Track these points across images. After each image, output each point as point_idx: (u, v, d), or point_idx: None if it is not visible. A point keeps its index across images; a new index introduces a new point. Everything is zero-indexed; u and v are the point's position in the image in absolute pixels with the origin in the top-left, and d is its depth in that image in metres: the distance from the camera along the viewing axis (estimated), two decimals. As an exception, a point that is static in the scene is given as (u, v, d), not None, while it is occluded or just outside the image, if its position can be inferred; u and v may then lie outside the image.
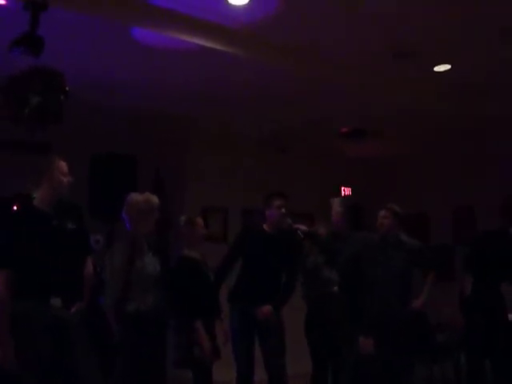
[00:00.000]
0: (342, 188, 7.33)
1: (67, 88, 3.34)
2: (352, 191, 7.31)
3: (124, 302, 3.48)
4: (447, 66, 5.34)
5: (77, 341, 3.18)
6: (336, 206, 4.32)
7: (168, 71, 5.08)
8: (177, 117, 6.15)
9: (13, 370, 3.00)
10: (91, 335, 3.29)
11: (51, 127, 3.60)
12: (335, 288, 4.53)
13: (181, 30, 4.46)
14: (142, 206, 3.63)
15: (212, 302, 3.96)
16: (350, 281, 4.18)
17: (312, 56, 5.06)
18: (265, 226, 4.39)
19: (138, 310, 3.49)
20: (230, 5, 4.22)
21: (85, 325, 3.29)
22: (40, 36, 3.39)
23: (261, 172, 6.83)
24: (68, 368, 3.14)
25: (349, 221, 4.30)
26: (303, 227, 4.34)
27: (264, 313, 4.11)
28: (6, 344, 3.01)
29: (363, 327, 3.98)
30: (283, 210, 4.28)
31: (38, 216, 3.23)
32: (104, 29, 4.33)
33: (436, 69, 5.39)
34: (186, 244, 4.02)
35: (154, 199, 3.70)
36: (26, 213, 3.30)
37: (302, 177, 7.24)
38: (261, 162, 6.98)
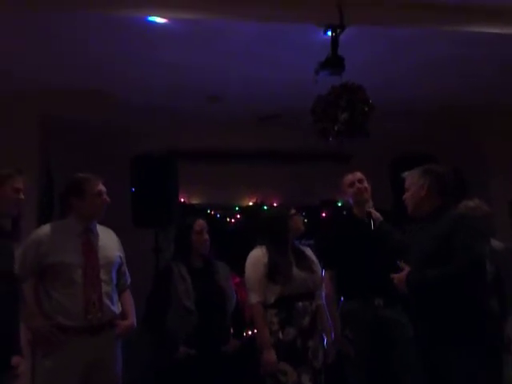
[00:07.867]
0: None
1: (370, 100, 3.55)
2: None
3: None
4: None
5: (398, 339, 3.40)
6: None
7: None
8: (471, 110, 5.91)
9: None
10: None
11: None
12: None
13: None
14: None
15: None
16: None
17: None
18: None
19: None
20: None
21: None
22: (341, 56, 3.67)
23: None
24: (384, 364, 3.40)
25: None
26: None
27: None
28: (335, 327, 3.43)
29: None
30: None
31: (357, 223, 3.59)
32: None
33: None
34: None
35: None
36: (347, 220, 3.66)
37: None
38: None
